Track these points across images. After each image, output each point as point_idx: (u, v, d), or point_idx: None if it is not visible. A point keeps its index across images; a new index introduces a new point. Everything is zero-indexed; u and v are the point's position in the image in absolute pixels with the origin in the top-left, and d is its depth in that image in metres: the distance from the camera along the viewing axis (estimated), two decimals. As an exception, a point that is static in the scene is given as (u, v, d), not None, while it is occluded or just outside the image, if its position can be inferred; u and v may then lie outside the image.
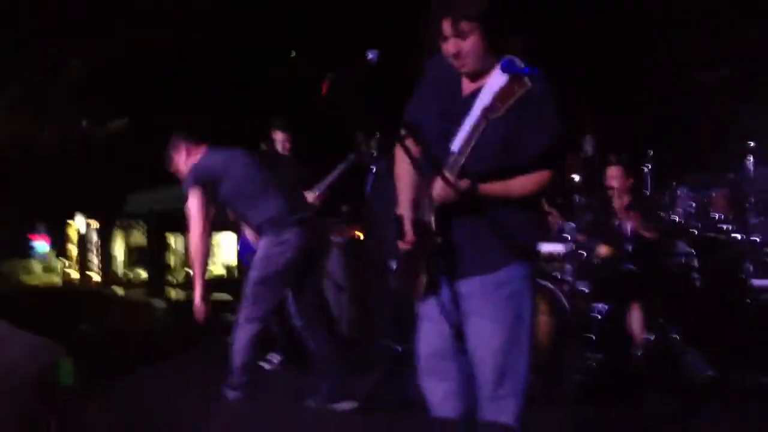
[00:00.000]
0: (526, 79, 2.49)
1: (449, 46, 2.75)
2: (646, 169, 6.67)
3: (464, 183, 2.63)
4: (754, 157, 5.82)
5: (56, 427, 3.32)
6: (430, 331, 2.90)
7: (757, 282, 5.59)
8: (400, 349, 3.04)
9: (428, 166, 2.74)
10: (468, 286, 2.79)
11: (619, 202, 6.14)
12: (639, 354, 5.50)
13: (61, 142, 12.22)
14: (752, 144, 5.82)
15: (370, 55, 3.53)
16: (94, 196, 13.03)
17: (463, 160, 2.62)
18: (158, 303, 10.05)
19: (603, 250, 5.71)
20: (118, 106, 11.71)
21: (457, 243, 2.78)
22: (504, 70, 2.61)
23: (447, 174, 2.62)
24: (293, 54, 9.79)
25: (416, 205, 2.84)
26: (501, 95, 2.53)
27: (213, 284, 12.18)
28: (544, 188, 2.80)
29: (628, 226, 5.98)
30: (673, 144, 6.79)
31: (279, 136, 6.38)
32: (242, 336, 4.75)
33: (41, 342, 3.58)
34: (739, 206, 5.88)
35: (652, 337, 5.46)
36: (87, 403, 3.43)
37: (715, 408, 4.81)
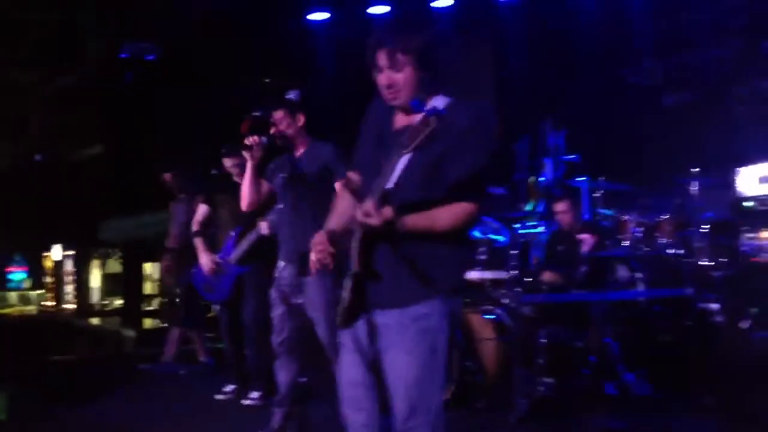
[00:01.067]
0: (433, 118, 2.58)
1: (382, 78, 2.85)
2: (598, 194, 6.81)
3: (386, 212, 2.68)
4: (699, 181, 5.94)
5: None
6: (350, 360, 2.95)
7: (702, 305, 5.67)
8: (305, 379, 3.12)
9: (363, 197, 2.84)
10: (386, 318, 2.84)
11: (569, 229, 6.28)
12: (588, 376, 5.59)
13: (37, 171, 12.27)
14: (696, 170, 5.93)
15: (291, 96, 3.68)
16: (70, 225, 13.07)
17: (382, 191, 2.70)
18: (128, 332, 10.09)
19: (548, 276, 5.80)
20: (92, 133, 11.79)
21: (378, 274, 2.83)
22: (413, 109, 2.71)
23: (367, 203, 2.71)
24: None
25: (347, 234, 2.89)
26: (411, 133, 2.63)
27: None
28: (469, 222, 2.86)
29: (585, 249, 6.10)
30: (624, 168, 6.90)
31: (228, 163, 6.19)
32: None
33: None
34: (684, 231, 5.98)
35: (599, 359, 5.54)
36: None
37: (659, 427, 4.86)
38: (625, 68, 8.09)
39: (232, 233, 5.99)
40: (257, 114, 3.93)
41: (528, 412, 5.24)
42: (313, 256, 2.90)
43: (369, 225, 2.67)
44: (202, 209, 6.29)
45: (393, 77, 2.82)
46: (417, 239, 2.78)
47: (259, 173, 4.83)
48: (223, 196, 6.17)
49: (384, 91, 2.87)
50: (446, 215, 2.79)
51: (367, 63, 2.88)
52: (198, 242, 6.17)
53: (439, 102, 2.83)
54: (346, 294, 2.84)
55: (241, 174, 6.02)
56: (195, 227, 6.24)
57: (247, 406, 5.80)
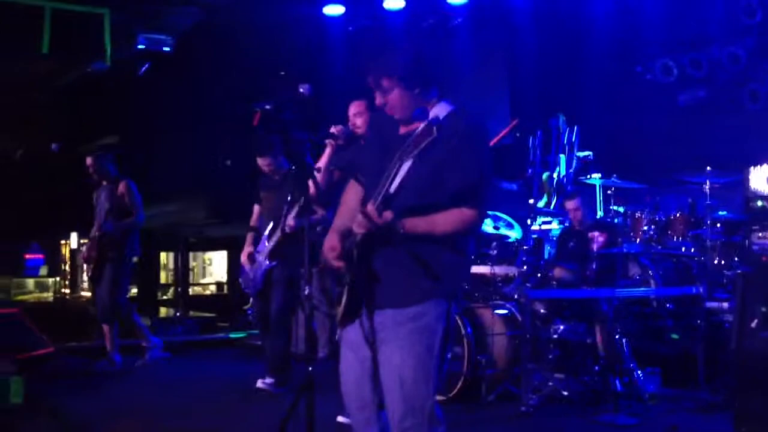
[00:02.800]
0: (435, 128, 2.65)
1: (377, 98, 3.01)
2: (610, 192, 6.82)
3: (386, 215, 2.76)
4: (712, 179, 5.93)
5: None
6: (349, 358, 3.03)
7: (711, 303, 5.68)
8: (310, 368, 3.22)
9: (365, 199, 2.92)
10: (383, 317, 2.91)
11: (580, 226, 6.30)
12: (597, 372, 5.62)
13: (54, 160, 12.34)
14: (709, 168, 5.92)
15: (302, 89, 3.71)
16: (86, 214, 13.14)
17: (383, 195, 2.77)
18: (143, 320, 10.18)
19: (558, 272, 5.83)
20: (107, 123, 11.86)
21: (376, 274, 2.91)
22: (415, 118, 2.77)
23: (368, 206, 2.77)
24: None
25: (347, 234, 2.97)
26: (414, 141, 2.70)
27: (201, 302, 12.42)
28: (469, 228, 2.93)
29: (595, 246, 6.13)
30: (637, 166, 6.90)
31: (261, 162, 6.19)
32: None
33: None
34: (696, 229, 5.98)
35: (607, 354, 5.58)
36: (36, 420, 3.54)
37: (668, 424, 4.87)
38: (640, 65, 8.05)
39: (267, 228, 6.08)
40: (268, 107, 3.97)
41: (536, 407, 5.29)
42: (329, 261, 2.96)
43: (368, 227, 2.76)
44: (255, 209, 6.40)
45: (384, 98, 2.97)
46: (416, 242, 2.85)
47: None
48: (263, 193, 6.27)
49: (383, 108, 3.00)
50: (445, 220, 2.87)
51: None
52: (248, 237, 6.31)
53: (441, 110, 2.90)
54: (344, 293, 2.91)
55: (274, 172, 6.14)
56: (251, 223, 6.36)
57: (258, 388, 5.94)
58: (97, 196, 7.23)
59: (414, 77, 2.92)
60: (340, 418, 4.72)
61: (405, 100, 2.94)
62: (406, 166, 2.73)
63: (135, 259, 7.61)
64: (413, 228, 2.82)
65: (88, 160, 7.14)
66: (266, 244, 6.05)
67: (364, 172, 3.12)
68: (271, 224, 5.99)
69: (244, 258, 6.21)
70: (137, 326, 7.34)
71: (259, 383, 5.98)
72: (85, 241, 14.02)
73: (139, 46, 9.22)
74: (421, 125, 2.69)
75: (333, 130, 4.75)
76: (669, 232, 6.04)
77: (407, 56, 2.93)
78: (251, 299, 6.68)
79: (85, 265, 7.28)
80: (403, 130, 3.01)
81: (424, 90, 2.95)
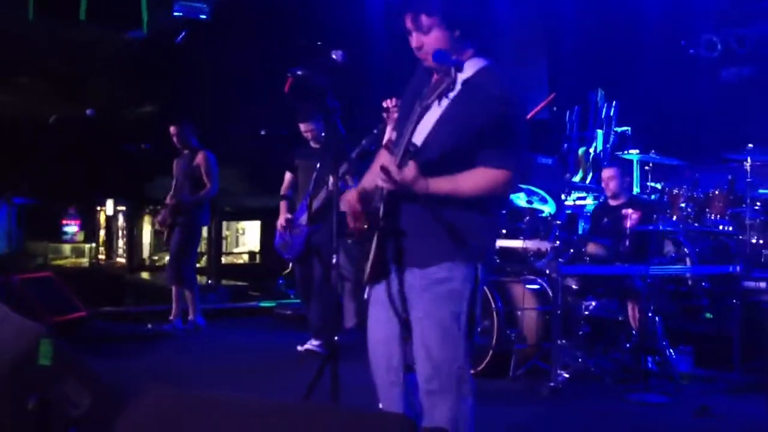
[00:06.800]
0: (452, 70, 2.53)
1: (412, 40, 2.83)
2: (648, 168, 6.70)
3: (407, 172, 2.67)
4: (753, 157, 5.79)
5: (35, 405, 3.48)
6: (378, 316, 2.97)
7: (748, 283, 5.57)
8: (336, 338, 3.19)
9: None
10: (410, 277, 2.84)
11: (615, 201, 6.19)
12: (628, 350, 5.57)
13: (91, 127, 12.44)
14: (750, 146, 5.79)
15: (335, 56, 3.65)
16: (122, 181, 13.27)
17: (404, 148, 2.69)
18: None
19: (591, 248, 5.74)
20: (146, 91, 11.94)
21: (403, 233, 2.83)
22: (434, 60, 2.66)
23: (386, 163, 2.70)
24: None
25: (372, 192, 2.89)
26: (432, 86, 2.60)
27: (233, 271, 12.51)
28: (499, 189, 2.81)
29: (627, 223, 6.02)
30: (676, 142, 6.77)
31: (303, 127, 6.23)
32: None
33: (25, 324, 3.76)
34: (736, 207, 5.86)
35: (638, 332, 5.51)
36: (66, 382, 3.59)
37: (700, 404, 4.80)
38: (683, 39, 7.85)
39: (305, 196, 6.07)
40: (299, 72, 3.90)
41: (565, 383, 5.24)
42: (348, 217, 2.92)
43: (389, 183, 2.67)
44: (287, 177, 6.44)
45: (421, 39, 2.80)
46: (443, 201, 2.76)
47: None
48: (300, 161, 6.27)
49: (416, 53, 2.84)
50: (472, 180, 2.75)
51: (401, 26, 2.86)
52: (281, 205, 6.37)
53: (475, 64, 2.79)
54: (371, 250, 2.83)
55: (315, 139, 6.13)
56: (282, 191, 6.45)
57: (306, 350, 6.02)
58: (177, 165, 7.36)
59: (456, 17, 2.76)
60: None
61: (443, 43, 2.76)
62: (430, 115, 2.63)
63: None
64: (437, 188, 2.72)
65: (172, 129, 7.23)
66: (305, 210, 6.02)
67: (398, 127, 2.99)
68: (311, 191, 5.97)
69: (281, 224, 6.25)
70: (194, 296, 7.36)
71: (307, 345, 6.04)
72: (122, 208, 14.31)
73: (176, 14, 9.22)
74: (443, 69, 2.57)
75: (385, 104, 4.34)
76: (707, 210, 5.93)
77: None
78: (290, 265, 6.72)
79: (163, 229, 7.45)
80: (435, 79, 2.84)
81: (463, 37, 2.79)
